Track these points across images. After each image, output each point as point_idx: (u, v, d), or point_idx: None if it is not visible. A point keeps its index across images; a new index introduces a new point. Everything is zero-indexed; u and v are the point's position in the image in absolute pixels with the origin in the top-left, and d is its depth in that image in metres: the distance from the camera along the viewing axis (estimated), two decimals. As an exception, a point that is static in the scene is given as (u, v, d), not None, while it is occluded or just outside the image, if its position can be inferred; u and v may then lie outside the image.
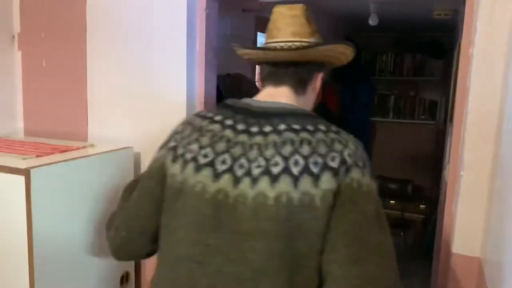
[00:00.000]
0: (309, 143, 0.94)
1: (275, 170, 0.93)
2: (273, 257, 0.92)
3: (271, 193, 0.91)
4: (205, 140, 0.99)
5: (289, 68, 1.08)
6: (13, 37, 1.91)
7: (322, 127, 0.97)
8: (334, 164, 0.92)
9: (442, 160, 3.00)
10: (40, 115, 1.92)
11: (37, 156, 1.43)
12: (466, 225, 1.32)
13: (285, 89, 1.08)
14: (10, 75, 1.91)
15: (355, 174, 0.93)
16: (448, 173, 1.41)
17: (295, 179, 0.92)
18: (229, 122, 1.01)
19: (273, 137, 0.96)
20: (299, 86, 1.09)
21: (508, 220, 0.97)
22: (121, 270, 1.63)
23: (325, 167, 0.92)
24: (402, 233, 3.79)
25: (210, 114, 1.04)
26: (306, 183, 0.91)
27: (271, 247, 0.92)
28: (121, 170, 1.61)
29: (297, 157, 0.93)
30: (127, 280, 1.65)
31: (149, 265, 1.76)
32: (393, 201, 4.07)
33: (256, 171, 0.94)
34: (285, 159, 0.93)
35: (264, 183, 0.92)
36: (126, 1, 1.68)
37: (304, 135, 0.95)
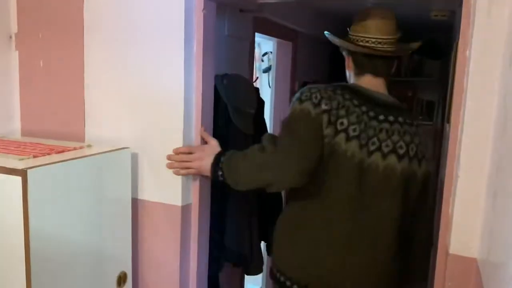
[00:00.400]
0: (418, 135, 1.45)
1: (400, 151, 1.41)
2: (395, 206, 1.43)
3: (398, 167, 1.40)
4: (352, 118, 1.37)
5: (384, 59, 1.45)
6: (10, 37, 1.90)
7: (418, 121, 1.49)
8: (427, 155, 1.46)
9: (439, 160, 3.01)
10: (37, 115, 1.91)
11: (34, 156, 1.42)
12: (463, 226, 1.32)
13: (381, 80, 1.48)
14: (7, 75, 1.91)
15: (431, 163, 1.49)
16: (445, 173, 1.41)
17: (410, 160, 1.42)
18: (364, 108, 1.40)
19: (396, 126, 1.42)
20: (388, 75, 1.49)
21: (505, 221, 0.97)
22: (118, 271, 1.63)
23: (424, 155, 1.45)
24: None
25: (348, 96, 1.40)
26: (415, 163, 1.43)
27: (395, 199, 1.42)
28: (119, 171, 1.61)
29: (412, 145, 1.43)
30: (124, 281, 1.65)
31: (146, 266, 1.76)
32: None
33: (385, 149, 1.39)
34: (407, 145, 1.41)
35: (392, 159, 1.40)
36: (124, 1, 1.68)
37: (413, 129, 1.45)
